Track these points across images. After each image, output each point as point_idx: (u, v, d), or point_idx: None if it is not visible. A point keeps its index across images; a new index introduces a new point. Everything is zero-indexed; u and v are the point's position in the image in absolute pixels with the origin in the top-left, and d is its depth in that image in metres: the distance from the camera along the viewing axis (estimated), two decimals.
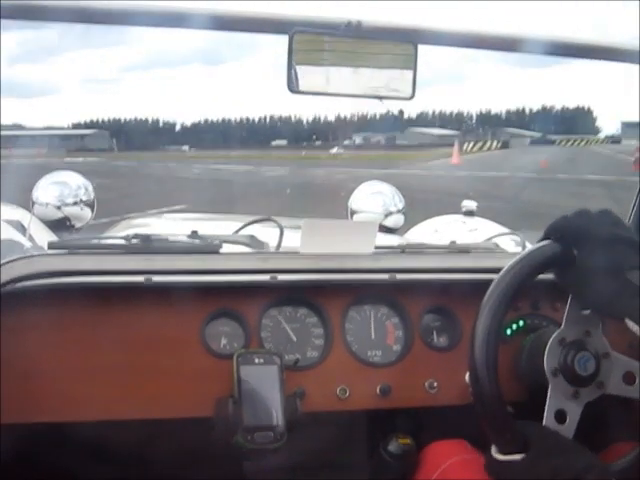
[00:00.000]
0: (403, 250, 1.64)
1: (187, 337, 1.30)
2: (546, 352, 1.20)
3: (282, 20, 1.18)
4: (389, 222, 2.77)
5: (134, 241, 1.45)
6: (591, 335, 1.21)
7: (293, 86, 1.17)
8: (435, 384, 1.37)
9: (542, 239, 1.16)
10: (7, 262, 1.27)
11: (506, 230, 2.21)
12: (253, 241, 1.71)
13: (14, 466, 1.27)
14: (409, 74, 1.24)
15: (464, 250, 1.64)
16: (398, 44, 1.22)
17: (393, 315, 1.44)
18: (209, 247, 1.47)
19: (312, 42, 1.17)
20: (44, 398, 1.22)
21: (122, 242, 1.47)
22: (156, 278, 1.31)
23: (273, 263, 1.43)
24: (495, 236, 1.96)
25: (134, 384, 1.26)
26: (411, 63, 1.23)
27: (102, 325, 1.27)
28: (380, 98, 1.26)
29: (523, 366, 1.35)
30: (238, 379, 1.24)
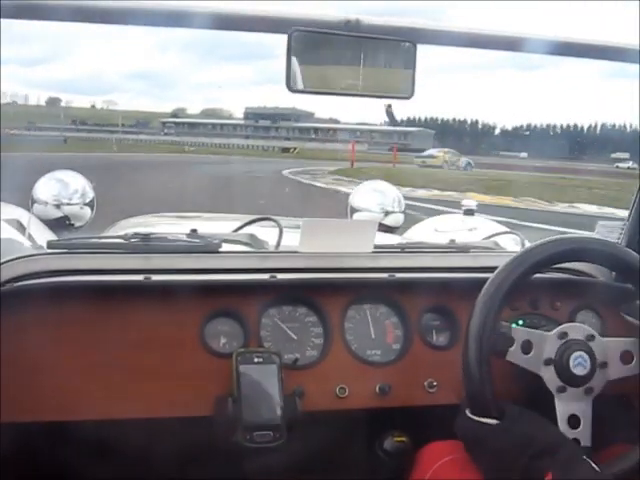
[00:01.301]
0: (402, 249, 1.64)
1: (186, 336, 1.30)
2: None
3: (281, 19, 1.17)
4: (389, 221, 2.77)
5: (133, 240, 1.45)
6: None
7: (292, 85, 1.17)
8: (434, 383, 1.37)
9: None
10: (7, 261, 1.27)
11: (505, 229, 2.20)
12: (252, 240, 1.71)
13: (14, 464, 1.27)
14: (408, 73, 1.23)
15: (463, 249, 1.64)
16: (397, 43, 1.22)
17: (392, 314, 1.44)
18: (208, 246, 1.47)
19: (311, 41, 1.17)
20: (43, 397, 1.22)
21: (121, 241, 1.47)
22: (155, 277, 1.31)
23: (272, 262, 1.43)
24: (494, 235, 1.97)
25: (133, 383, 1.26)
26: (410, 62, 1.22)
27: (101, 324, 1.27)
28: (379, 97, 1.26)
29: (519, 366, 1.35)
30: (237, 378, 1.24)
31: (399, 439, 1.30)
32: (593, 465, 1.07)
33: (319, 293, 1.40)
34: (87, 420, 1.25)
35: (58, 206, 2.54)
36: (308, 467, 1.36)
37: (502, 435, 1.14)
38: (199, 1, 1.18)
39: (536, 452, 1.08)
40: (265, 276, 1.37)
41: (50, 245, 1.44)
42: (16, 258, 1.30)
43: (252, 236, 1.73)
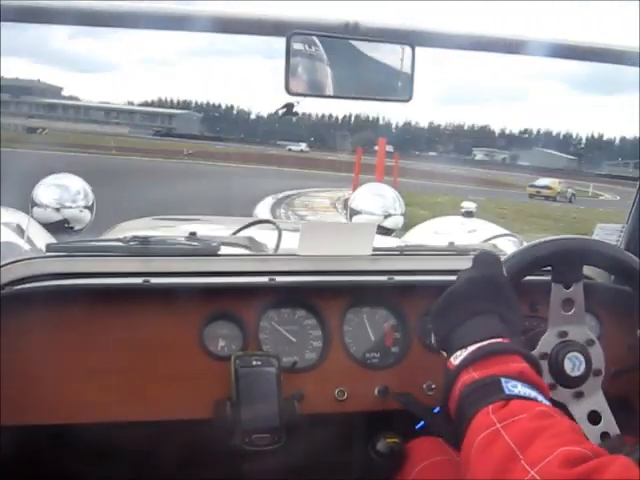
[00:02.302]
0: (401, 252, 1.64)
1: (185, 339, 1.30)
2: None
3: (280, 22, 1.17)
4: (388, 223, 2.78)
5: (132, 243, 1.45)
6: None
7: (291, 88, 1.17)
8: (433, 386, 1.37)
9: None
10: (5, 264, 1.27)
11: (505, 231, 2.21)
12: (251, 243, 1.71)
13: (14, 468, 1.27)
14: (407, 76, 1.24)
15: (463, 252, 1.63)
16: (396, 46, 1.22)
17: (391, 317, 1.44)
18: (207, 249, 1.47)
19: (310, 44, 1.17)
20: (42, 400, 1.22)
21: (121, 244, 1.47)
22: (154, 280, 1.31)
23: (271, 265, 1.43)
24: (494, 237, 1.97)
25: (133, 386, 1.26)
26: (409, 65, 1.22)
27: (101, 327, 1.27)
28: (378, 100, 1.27)
29: None
30: (236, 381, 1.24)
31: (391, 440, 1.30)
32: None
33: (318, 296, 1.39)
34: (86, 423, 1.24)
35: (58, 209, 2.55)
36: (308, 470, 1.36)
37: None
38: (199, 3, 1.18)
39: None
40: (264, 279, 1.37)
41: (49, 248, 1.44)
42: (15, 261, 1.30)
43: (251, 239, 1.73)
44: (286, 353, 1.35)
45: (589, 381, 1.21)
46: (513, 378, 0.92)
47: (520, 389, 0.90)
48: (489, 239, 1.96)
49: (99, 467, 1.32)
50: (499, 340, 0.99)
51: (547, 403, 0.91)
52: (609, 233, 1.63)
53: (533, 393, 0.90)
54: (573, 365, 1.20)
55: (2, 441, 1.18)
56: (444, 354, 1.06)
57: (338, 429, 1.37)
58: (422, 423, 1.26)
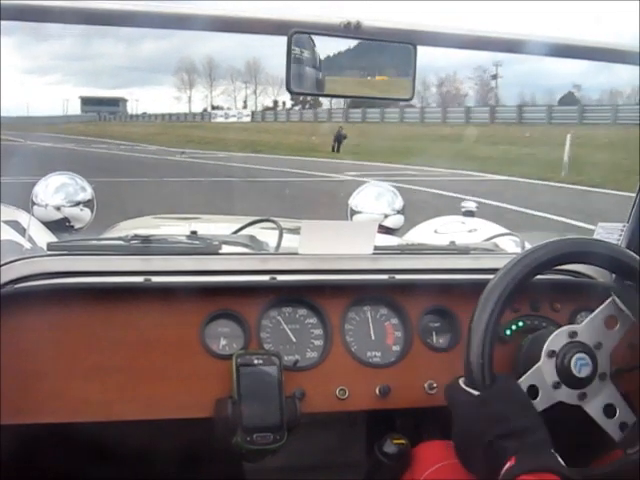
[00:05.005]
0: (402, 251, 1.64)
1: (186, 338, 1.30)
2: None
3: (281, 21, 1.17)
4: (389, 222, 2.77)
5: (133, 242, 1.46)
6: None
7: (292, 87, 1.17)
8: (434, 385, 1.37)
9: None
10: (6, 263, 1.27)
11: (505, 231, 2.21)
12: (252, 242, 1.71)
13: (14, 466, 1.27)
14: (408, 74, 1.24)
15: (463, 251, 1.64)
16: (397, 45, 1.22)
17: (392, 316, 1.44)
18: (208, 248, 1.47)
19: (311, 43, 1.17)
20: (43, 399, 1.22)
21: (121, 243, 1.47)
22: (155, 279, 1.31)
23: (272, 264, 1.43)
24: (494, 236, 1.97)
25: (134, 385, 1.26)
26: (410, 64, 1.23)
27: (101, 326, 1.27)
28: (379, 99, 1.27)
29: (520, 367, 1.35)
30: (237, 380, 1.24)
31: (398, 441, 1.30)
32: (559, 459, 1.04)
33: (319, 295, 1.39)
34: (87, 422, 1.24)
35: (58, 208, 2.54)
36: (309, 469, 1.36)
37: (477, 407, 1.12)
38: (201, 3, 1.18)
39: (504, 433, 1.06)
40: (265, 278, 1.37)
41: (50, 247, 1.44)
42: (16, 260, 1.30)
43: (252, 237, 1.73)
44: (287, 352, 1.35)
45: (594, 384, 1.21)
46: None
47: None
48: (490, 238, 1.96)
49: (100, 466, 1.32)
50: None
51: None
52: (610, 232, 1.63)
53: None
54: (580, 367, 1.20)
55: (2, 440, 1.18)
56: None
57: (339, 428, 1.37)
58: None
